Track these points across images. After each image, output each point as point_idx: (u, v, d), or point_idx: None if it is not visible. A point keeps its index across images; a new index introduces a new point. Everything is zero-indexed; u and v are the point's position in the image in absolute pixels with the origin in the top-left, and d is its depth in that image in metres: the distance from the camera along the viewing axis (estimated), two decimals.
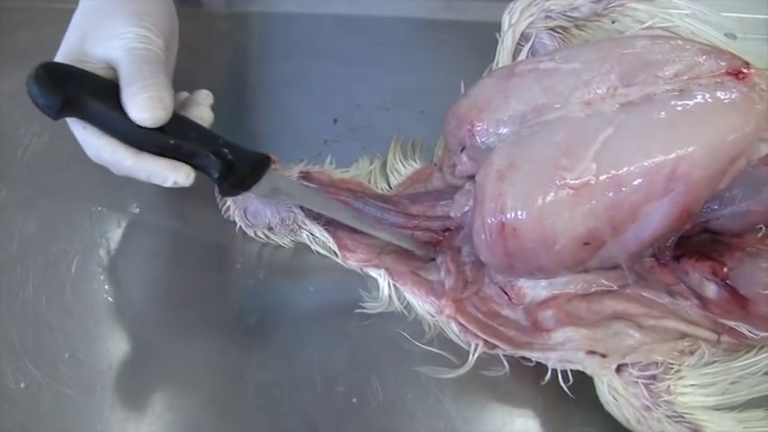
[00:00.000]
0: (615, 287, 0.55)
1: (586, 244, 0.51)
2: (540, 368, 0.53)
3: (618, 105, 0.52)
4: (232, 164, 0.54)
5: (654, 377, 0.50)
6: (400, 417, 0.52)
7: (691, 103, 0.51)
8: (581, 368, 0.51)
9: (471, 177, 0.58)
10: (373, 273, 0.59)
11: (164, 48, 0.55)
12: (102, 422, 0.52)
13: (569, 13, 0.62)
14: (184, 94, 0.57)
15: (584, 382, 0.52)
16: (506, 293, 0.57)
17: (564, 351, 0.52)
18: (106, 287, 0.58)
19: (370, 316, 0.57)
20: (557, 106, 0.53)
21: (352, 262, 0.60)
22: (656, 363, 0.50)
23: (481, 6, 0.80)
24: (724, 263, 0.54)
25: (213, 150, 0.53)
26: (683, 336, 0.52)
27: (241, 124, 0.70)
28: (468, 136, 0.56)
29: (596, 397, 0.51)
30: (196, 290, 0.59)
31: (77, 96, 0.50)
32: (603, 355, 0.51)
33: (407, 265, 0.59)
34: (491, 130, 0.55)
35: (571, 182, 0.49)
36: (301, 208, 0.60)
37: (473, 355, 0.53)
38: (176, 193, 0.56)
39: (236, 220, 0.61)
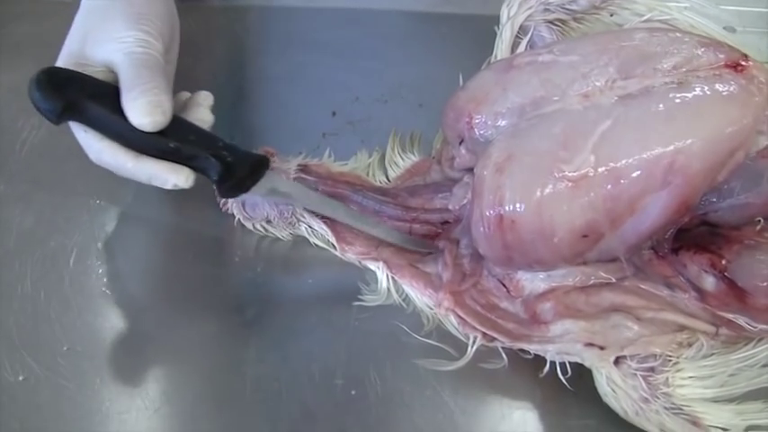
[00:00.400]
0: (614, 279, 0.55)
1: (585, 236, 0.51)
2: (539, 360, 0.53)
3: (616, 98, 0.52)
4: (231, 166, 0.54)
5: (652, 369, 0.50)
6: (399, 409, 0.52)
7: (689, 95, 0.51)
8: (579, 360, 0.51)
9: (470, 170, 0.58)
10: (372, 265, 0.59)
11: (163, 51, 0.55)
12: (100, 414, 0.52)
13: (568, 6, 0.62)
14: (185, 95, 0.58)
15: (582, 375, 0.52)
16: (505, 286, 0.57)
17: (562, 343, 0.52)
18: (104, 280, 0.58)
19: (369, 308, 0.57)
20: (555, 99, 0.53)
21: (350, 255, 0.60)
22: (655, 355, 0.50)
23: None
24: (722, 255, 0.54)
25: (212, 153, 0.54)
26: (682, 328, 0.52)
27: (240, 118, 0.70)
28: (467, 129, 0.56)
29: (595, 389, 0.51)
30: (194, 283, 0.59)
31: (78, 101, 0.51)
32: (602, 348, 0.51)
33: (406, 258, 0.59)
34: (489, 123, 0.55)
35: (569, 174, 0.49)
36: None
37: (471, 347, 0.53)
38: None
39: (235, 213, 0.61)
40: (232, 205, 0.61)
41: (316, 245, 0.61)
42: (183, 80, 0.58)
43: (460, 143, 0.58)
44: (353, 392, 0.53)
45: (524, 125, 0.53)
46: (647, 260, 0.56)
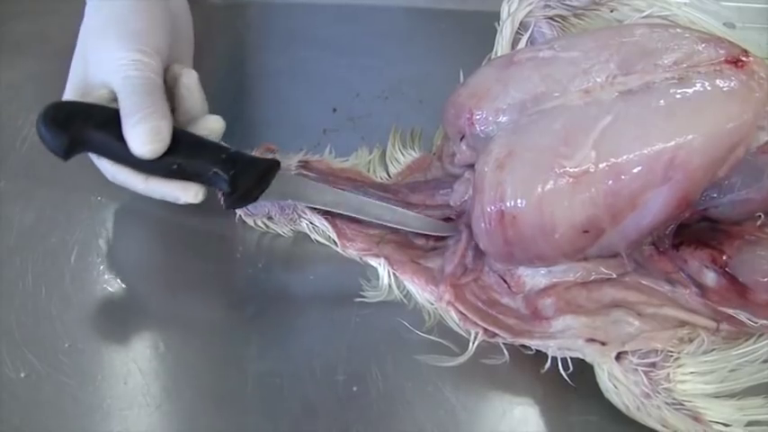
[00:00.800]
0: (614, 275, 0.55)
1: (586, 232, 0.51)
2: (540, 356, 0.53)
3: (617, 94, 0.52)
4: (237, 177, 0.55)
5: (653, 365, 0.50)
6: (400, 405, 0.52)
7: (690, 91, 0.51)
8: (581, 356, 0.51)
9: (470, 166, 0.58)
10: (373, 262, 0.59)
11: (160, 67, 0.56)
12: (102, 411, 0.51)
13: (568, 2, 0.62)
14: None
15: (583, 371, 0.52)
16: (506, 282, 0.57)
17: (563, 339, 0.52)
18: (105, 277, 0.58)
19: (370, 305, 0.57)
20: (556, 95, 0.53)
21: (351, 251, 0.60)
22: (656, 350, 0.50)
23: None
24: (723, 251, 0.55)
25: (218, 167, 0.54)
26: (683, 324, 0.52)
27: (240, 114, 0.70)
28: (468, 125, 0.56)
29: (596, 385, 0.51)
30: (196, 279, 0.59)
31: (83, 133, 0.53)
32: (603, 343, 0.51)
33: (407, 254, 0.59)
34: (490, 119, 0.55)
35: (570, 170, 0.50)
36: None
37: (473, 343, 0.54)
38: None
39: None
40: None
41: (317, 241, 0.61)
42: None
43: (461, 139, 0.58)
44: (355, 388, 0.53)
45: (525, 121, 0.53)
46: (647, 256, 0.56)
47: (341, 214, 0.59)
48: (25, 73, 0.71)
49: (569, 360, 0.52)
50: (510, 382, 0.54)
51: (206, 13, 0.66)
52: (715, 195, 0.54)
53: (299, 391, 0.53)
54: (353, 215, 0.59)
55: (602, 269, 0.55)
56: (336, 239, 0.60)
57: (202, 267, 0.60)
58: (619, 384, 0.50)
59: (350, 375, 0.54)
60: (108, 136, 0.53)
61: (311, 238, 0.61)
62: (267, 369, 0.54)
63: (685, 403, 0.49)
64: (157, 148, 0.52)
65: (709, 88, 0.51)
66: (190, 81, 0.57)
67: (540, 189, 0.50)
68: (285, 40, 0.76)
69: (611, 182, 0.49)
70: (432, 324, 0.56)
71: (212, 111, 0.59)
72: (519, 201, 0.50)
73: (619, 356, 0.51)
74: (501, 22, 0.63)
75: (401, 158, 0.65)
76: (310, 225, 0.60)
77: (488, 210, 0.52)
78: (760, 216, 0.55)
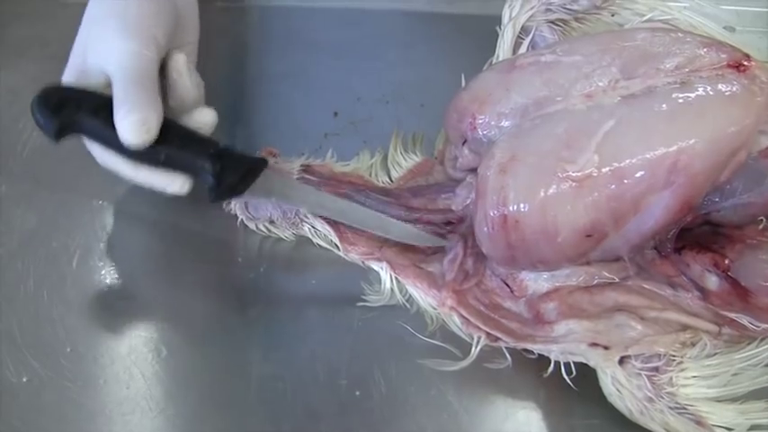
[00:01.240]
0: (617, 279, 0.55)
1: (588, 236, 0.51)
2: (543, 360, 0.53)
3: (619, 98, 0.52)
4: (222, 171, 0.55)
5: (656, 369, 0.50)
6: (403, 409, 0.52)
7: (692, 95, 0.51)
8: (584, 360, 0.51)
9: (473, 170, 0.58)
10: (375, 266, 0.59)
11: (157, 57, 0.56)
12: (104, 416, 0.51)
13: (569, 6, 0.62)
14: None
15: (586, 375, 0.51)
16: (508, 286, 0.57)
17: (566, 343, 0.52)
18: (107, 281, 0.58)
19: (373, 309, 0.57)
20: (558, 99, 0.53)
21: (353, 255, 0.59)
22: (659, 354, 0.50)
23: None
24: (725, 255, 0.55)
25: (205, 160, 0.55)
26: (685, 327, 0.52)
27: (241, 118, 0.70)
28: (470, 129, 0.56)
29: (599, 389, 0.51)
30: (197, 283, 0.59)
31: (75, 118, 0.53)
32: (606, 347, 0.51)
33: (409, 258, 0.59)
34: (492, 123, 0.55)
35: (573, 174, 0.50)
36: None
37: (475, 347, 0.53)
38: None
39: (238, 213, 0.61)
40: (235, 206, 0.60)
41: (319, 245, 0.60)
42: None
43: (463, 144, 0.58)
44: (358, 393, 0.53)
45: (527, 125, 0.53)
46: (650, 260, 0.56)
47: None
48: (25, 76, 0.70)
49: (572, 364, 0.52)
50: (513, 386, 0.54)
51: (207, 17, 0.66)
52: (717, 199, 0.54)
53: (301, 395, 0.53)
54: (336, 219, 0.59)
55: (605, 273, 0.55)
56: (338, 243, 0.60)
57: (204, 271, 0.60)
58: (622, 388, 0.50)
59: (352, 379, 0.53)
60: (99, 122, 0.53)
61: (313, 242, 0.61)
62: (269, 373, 0.54)
63: (688, 407, 0.49)
64: (145, 138, 0.52)
65: (711, 92, 0.51)
66: (177, 63, 0.57)
67: (542, 193, 0.50)
68: (286, 44, 0.76)
69: (613, 186, 0.49)
70: (434, 328, 0.56)
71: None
72: (522, 205, 0.50)
73: (622, 360, 0.51)
74: (502, 26, 0.63)
75: (403, 162, 0.65)
76: (312, 229, 0.60)
77: (491, 214, 0.52)
78: (762, 220, 0.55)
